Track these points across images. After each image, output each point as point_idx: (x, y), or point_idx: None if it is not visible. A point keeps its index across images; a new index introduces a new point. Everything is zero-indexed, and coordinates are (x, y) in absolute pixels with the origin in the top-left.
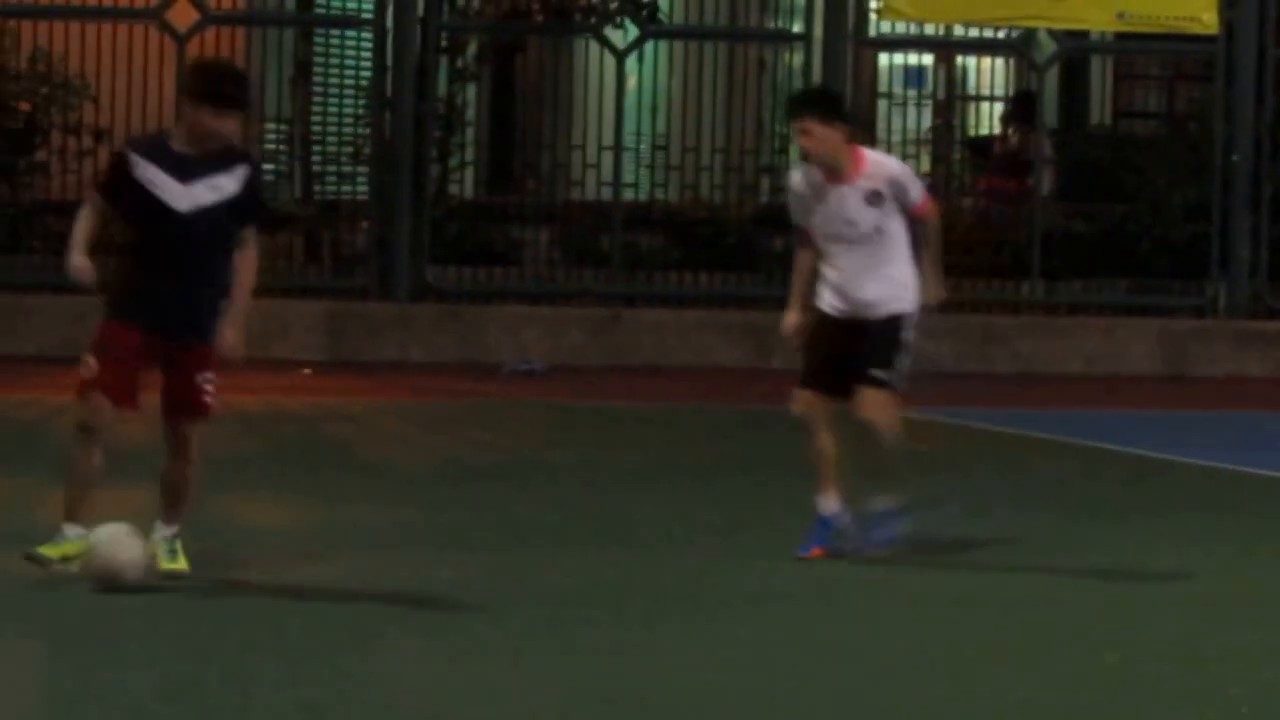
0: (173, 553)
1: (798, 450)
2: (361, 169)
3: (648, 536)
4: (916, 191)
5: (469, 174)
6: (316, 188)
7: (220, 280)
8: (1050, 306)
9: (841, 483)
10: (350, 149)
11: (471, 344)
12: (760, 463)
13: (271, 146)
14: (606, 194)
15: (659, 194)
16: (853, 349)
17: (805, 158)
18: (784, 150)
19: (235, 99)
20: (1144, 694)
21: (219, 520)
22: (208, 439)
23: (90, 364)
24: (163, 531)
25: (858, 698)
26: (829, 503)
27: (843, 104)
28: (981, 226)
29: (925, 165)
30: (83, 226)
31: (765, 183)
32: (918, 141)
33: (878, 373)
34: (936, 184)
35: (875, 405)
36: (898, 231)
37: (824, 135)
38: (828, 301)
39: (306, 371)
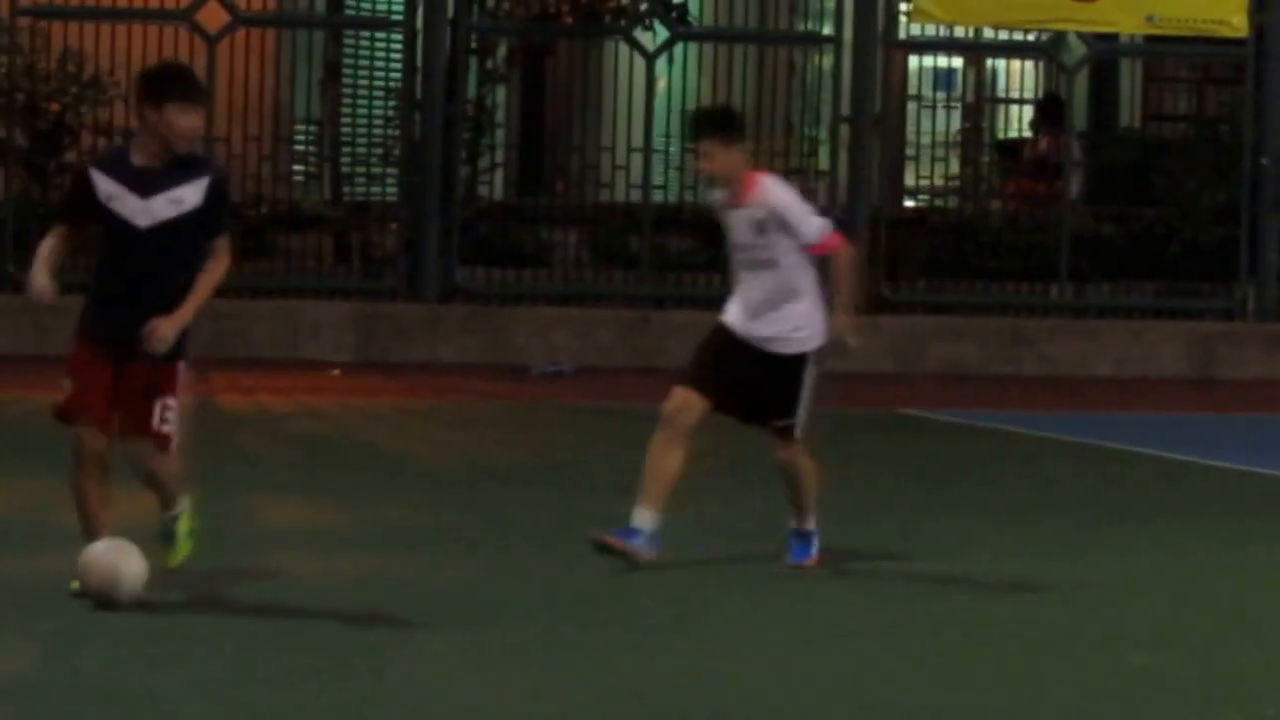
0: (168, 536)
1: (822, 453)
2: (391, 170)
3: (668, 537)
4: (810, 227)
5: (498, 175)
6: (346, 189)
7: (182, 295)
8: (1079, 309)
9: (671, 502)
10: (380, 150)
11: (500, 345)
12: None
13: (301, 148)
14: (636, 195)
15: (688, 196)
16: (749, 376)
17: (707, 181)
18: (814, 153)
19: (197, 92)
20: (1168, 695)
21: (245, 518)
22: (236, 439)
23: (67, 387)
24: (161, 518)
25: (877, 697)
26: (646, 516)
27: (743, 125)
28: (1010, 229)
29: (954, 168)
30: (46, 249)
31: (794, 184)
32: (947, 144)
33: (780, 423)
34: (966, 186)
35: (782, 446)
36: (799, 264)
37: (725, 158)
38: (732, 315)
39: (336, 372)
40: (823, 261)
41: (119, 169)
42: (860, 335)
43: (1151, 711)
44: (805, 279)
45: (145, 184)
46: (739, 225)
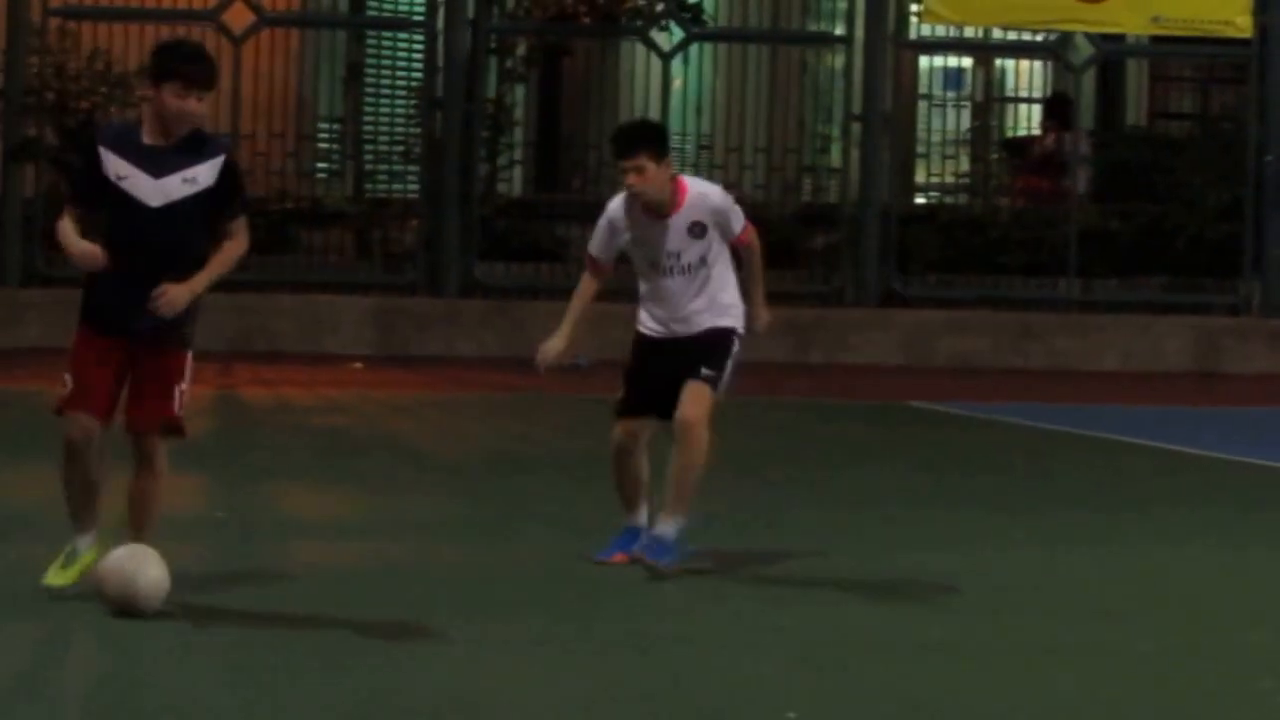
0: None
1: (833, 445)
2: (411, 167)
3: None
4: (739, 221)
5: (517, 172)
6: (367, 186)
7: (190, 276)
8: (1086, 304)
9: (652, 500)
10: (401, 148)
11: (518, 339)
12: (799, 457)
13: (324, 145)
14: None
15: None
16: (676, 366)
17: (633, 195)
18: (826, 150)
19: (199, 77)
20: (1176, 687)
21: (264, 508)
22: (258, 432)
23: (66, 380)
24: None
25: (879, 692)
26: (638, 517)
27: (669, 139)
28: (1019, 225)
29: (964, 165)
30: (68, 228)
31: (807, 181)
32: (956, 142)
33: (706, 370)
34: (975, 183)
35: (693, 400)
36: (723, 260)
37: (655, 174)
38: (649, 325)
39: (357, 366)
40: (734, 252)
41: (129, 148)
42: (770, 313)
43: (1156, 701)
44: (729, 271)
45: (157, 163)
46: (673, 234)
